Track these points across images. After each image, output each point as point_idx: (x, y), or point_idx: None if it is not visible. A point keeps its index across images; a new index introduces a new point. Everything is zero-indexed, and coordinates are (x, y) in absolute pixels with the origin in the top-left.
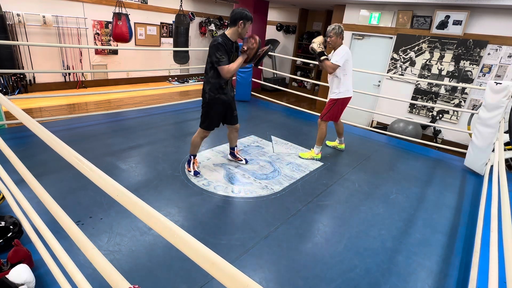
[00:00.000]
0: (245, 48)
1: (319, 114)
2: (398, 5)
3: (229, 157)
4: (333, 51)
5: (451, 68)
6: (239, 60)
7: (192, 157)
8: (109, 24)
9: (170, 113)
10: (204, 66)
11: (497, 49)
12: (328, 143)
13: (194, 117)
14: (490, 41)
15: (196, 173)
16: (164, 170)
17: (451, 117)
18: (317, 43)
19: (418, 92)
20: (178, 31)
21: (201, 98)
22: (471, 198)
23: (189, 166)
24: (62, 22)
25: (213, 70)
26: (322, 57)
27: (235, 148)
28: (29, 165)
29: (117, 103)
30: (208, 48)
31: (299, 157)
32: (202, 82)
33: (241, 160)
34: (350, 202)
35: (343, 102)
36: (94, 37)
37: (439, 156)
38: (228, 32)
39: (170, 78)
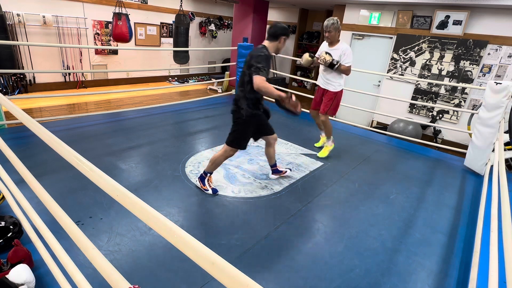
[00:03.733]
0: (284, 98)
1: None
2: (398, 5)
3: (273, 176)
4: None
5: (451, 68)
6: (275, 92)
7: (208, 174)
8: (109, 24)
9: (170, 113)
10: (200, 66)
11: (497, 49)
12: (317, 144)
13: (194, 117)
14: (490, 41)
15: (215, 191)
16: (164, 170)
17: (451, 117)
18: (323, 58)
19: (418, 92)
20: (178, 31)
21: (201, 98)
22: (471, 198)
23: (204, 184)
24: (62, 22)
25: (251, 84)
26: (336, 66)
27: (276, 163)
28: (29, 165)
29: (117, 103)
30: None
31: (318, 156)
32: (235, 98)
33: (286, 172)
34: (350, 202)
35: (341, 94)
36: (94, 37)
37: (439, 156)
38: (269, 45)
39: (170, 78)
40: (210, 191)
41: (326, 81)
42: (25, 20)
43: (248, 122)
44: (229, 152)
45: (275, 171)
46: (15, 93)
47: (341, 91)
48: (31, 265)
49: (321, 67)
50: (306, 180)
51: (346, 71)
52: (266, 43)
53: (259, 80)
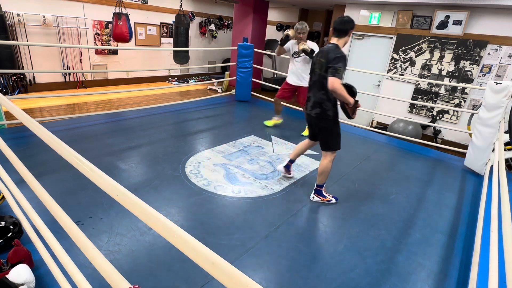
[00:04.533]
0: (353, 104)
1: None
2: (398, 5)
3: (283, 169)
4: (301, 44)
5: (451, 68)
6: (348, 97)
7: (323, 186)
8: (109, 24)
9: (170, 113)
10: (200, 66)
11: (497, 49)
12: (268, 123)
13: (194, 117)
14: (490, 41)
15: (336, 198)
16: (164, 170)
17: (451, 117)
18: (303, 45)
19: (418, 92)
20: (178, 31)
21: (201, 98)
22: (471, 198)
23: (324, 196)
24: (62, 22)
25: None
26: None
27: (294, 161)
28: (29, 165)
29: (117, 103)
30: (320, 60)
31: (266, 124)
32: (316, 101)
33: (290, 174)
34: (350, 202)
35: None
36: (94, 37)
37: (439, 156)
38: (340, 42)
39: (170, 78)
40: (333, 200)
41: (301, 78)
42: (25, 20)
43: (336, 121)
44: (333, 156)
45: (287, 167)
46: (15, 93)
47: None
48: (31, 265)
49: (294, 66)
50: (306, 180)
51: None
52: (335, 40)
53: (336, 83)
